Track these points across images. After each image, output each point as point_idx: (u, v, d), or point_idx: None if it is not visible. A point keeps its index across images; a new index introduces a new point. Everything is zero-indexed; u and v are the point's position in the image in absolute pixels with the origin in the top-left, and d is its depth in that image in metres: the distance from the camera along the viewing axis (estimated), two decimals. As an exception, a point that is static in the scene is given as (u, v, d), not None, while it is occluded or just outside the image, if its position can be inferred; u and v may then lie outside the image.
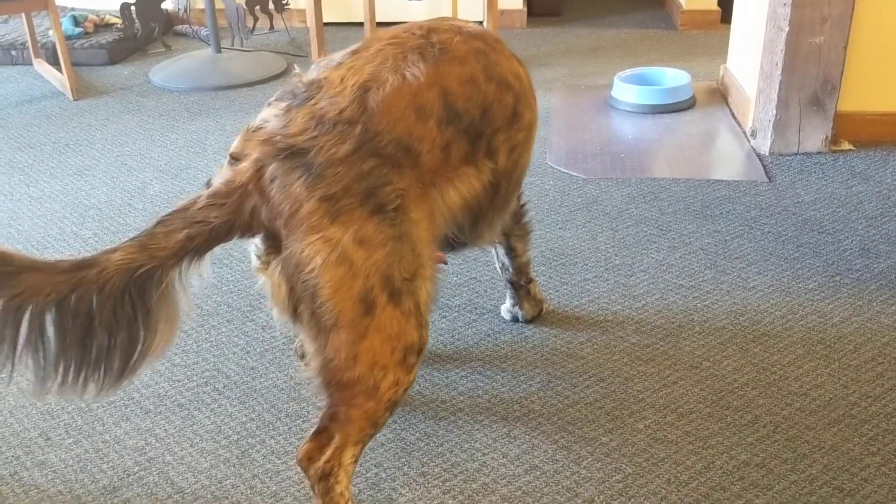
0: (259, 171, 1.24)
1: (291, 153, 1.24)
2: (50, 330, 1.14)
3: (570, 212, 2.40)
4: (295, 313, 1.26)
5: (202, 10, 4.00)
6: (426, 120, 1.34)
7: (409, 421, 1.64)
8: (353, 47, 1.43)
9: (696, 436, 1.58)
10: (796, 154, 2.73)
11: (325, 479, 1.31)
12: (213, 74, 3.58)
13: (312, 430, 1.32)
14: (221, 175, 1.44)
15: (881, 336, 1.84)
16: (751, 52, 2.87)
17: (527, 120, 1.53)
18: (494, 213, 1.55)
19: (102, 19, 4.09)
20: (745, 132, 2.88)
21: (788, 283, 2.04)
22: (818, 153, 2.73)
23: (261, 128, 1.31)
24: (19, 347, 1.13)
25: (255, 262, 1.34)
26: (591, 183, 2.58)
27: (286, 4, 3.95)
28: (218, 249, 2.31)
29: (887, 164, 2.64)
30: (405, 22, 1.55)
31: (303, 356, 1.64)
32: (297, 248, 1.21)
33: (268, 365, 1.80)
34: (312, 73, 1.46)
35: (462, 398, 1.69)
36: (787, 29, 2.58)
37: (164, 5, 3.95)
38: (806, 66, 2.62)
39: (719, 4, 4.21)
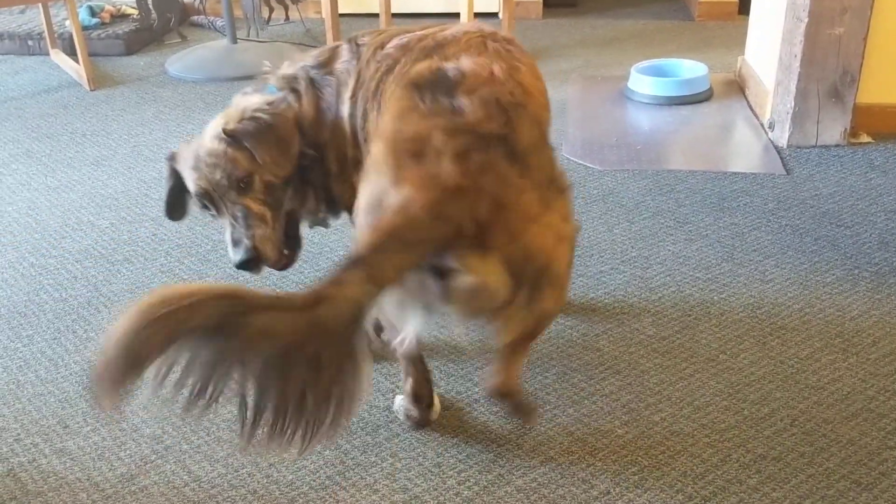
0: (465, 165, 1.15)
1: (492, 142, 1.19)
2: (269, 375, 1.00)
3: (586, 203, 2.39)
4: (509, 302, 1.21)
5: (218, 1, 4.00)
6: (548, 108, 1.41)
7: (424, 411, 1.64)
8: (404, 40, 1.47)
9: (713, 429, 1.58)
10: (814, 146, 2.71)
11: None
12: (228, 65, 3.58)
13: (494, 365, 1.42)
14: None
15: (900, 330, 1.83)
16: (769, 44, 2.85)
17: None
18: None
19: (119, 10, 4.10)
20: (762, 124, 2.86)
21: (806, 276, 2.03)
22: (836, 146, 2.71)
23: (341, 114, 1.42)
24: (230, 394, 1.00)
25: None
26: (608, 174, 2.56)
27: (302, -5, 3.96)
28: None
29: (907, 156, 2.62)
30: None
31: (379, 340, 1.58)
32: (527, 238, 1.18)
33: (284, 355, 1.81)
34: (290, 69, 1.56)
35: (477, 389, 1.69)
36: (806, 20, 2.55)
37: (179, -4, 3.97)
38: (825, 57, 2.60)
39: (737, -5, 4.17)
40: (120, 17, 4.07)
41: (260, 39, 3.85)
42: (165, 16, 3.97)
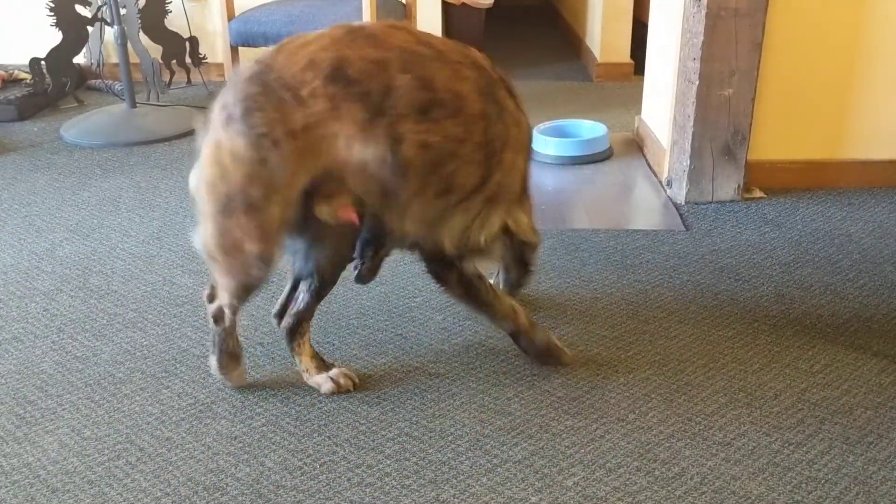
0: None
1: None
2: None
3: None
4: None
5: (116, 65, 3.91)
6: None
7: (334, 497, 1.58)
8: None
9: (625, 491, 1.57)
10: (711, 202, 2.81)
11: None
12: (127, 130, 3.50)
13: None
14: None
15: (799, 382, 1.88)
16: (663, 104, 2.95)
17: None
18: None
19: (11, 74, 3.98)
20: (661, 182, 2.94)
21: (708, 332, 2.07)
22: (731, 201, 2.81)
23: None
24: None
25: None
26: (514, 235, 2.58)
27: (203, 58, 3.91)
28: (130, 313, 2.22)
29: (797, 210, 2.73)
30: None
31: None
32: None
33: (184, 435, 1.73)
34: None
35: (389, 461, 1.65)
36: (697, 82, 2.66)
37: (76, 59, 3.86)
38: (717, 117, 2.71)
39: (632, 57, 4.33)
40: (12, 82, 3.94)
41: (160, 103, 3.78)
42: (61, 80, 3.86)
